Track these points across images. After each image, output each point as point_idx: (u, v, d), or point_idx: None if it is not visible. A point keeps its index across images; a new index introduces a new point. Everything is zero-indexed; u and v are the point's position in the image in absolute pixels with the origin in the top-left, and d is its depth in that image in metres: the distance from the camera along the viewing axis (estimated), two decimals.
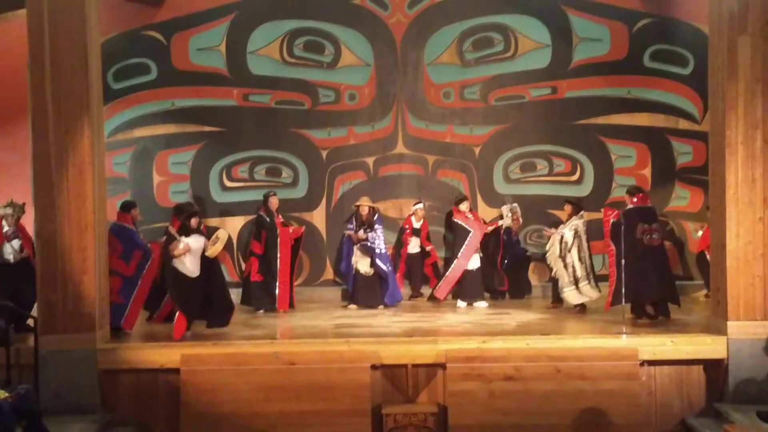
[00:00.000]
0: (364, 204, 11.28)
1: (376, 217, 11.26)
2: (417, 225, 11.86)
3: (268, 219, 11.01)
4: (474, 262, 11.14)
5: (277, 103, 12.46)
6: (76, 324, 8.14)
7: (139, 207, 11.89)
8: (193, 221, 9.11)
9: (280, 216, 11.17)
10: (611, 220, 9.48)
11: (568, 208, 10.68)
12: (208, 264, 9.06)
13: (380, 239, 11.13)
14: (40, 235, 8.26)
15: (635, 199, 9.57)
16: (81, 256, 8.19)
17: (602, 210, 10.00)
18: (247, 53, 12.41)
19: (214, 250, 9.05)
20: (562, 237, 10.32)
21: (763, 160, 8.15)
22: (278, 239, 10.89)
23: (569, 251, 10.29)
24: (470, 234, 11.09)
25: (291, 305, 11.02)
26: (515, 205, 11.85)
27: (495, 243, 11.63)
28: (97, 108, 8.51)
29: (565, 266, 10.28)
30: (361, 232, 11.06)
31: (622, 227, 9.22)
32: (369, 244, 11.05)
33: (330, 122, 12.47)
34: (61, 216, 8.18)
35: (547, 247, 10.65)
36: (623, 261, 9.15)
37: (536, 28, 12.35)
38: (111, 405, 8.22)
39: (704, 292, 11.44)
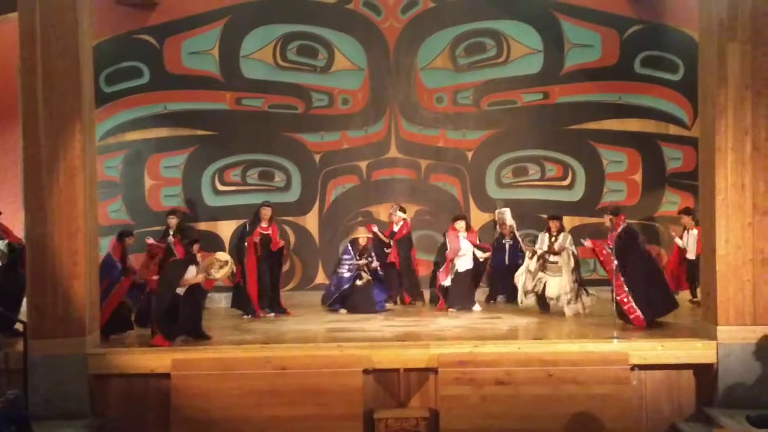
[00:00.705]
0: (363, 235, 11.39)
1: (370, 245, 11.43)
2: (395, 229, 11.86)
3: (248, 228, 10.95)
4: (447, 281, 11.14)
5: (270, 107, 12.45)
6: (65, 329, 8.12)
7: (130, 211, 11.99)
8: (196, 247, 9.21)
9: (269, 227, 11.00)
10: (606, 248, 9.49)
11: (555, 224, 10.67)
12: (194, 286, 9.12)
13: (377, 264, 11.34)
14: (30, 239, 8.24)
15: (622, 218, 9.64)
16: (71, 260, 8.18)
17: (587, 242, 9.84)
18: (241, 57, 12.39)
19: (222, 274, 9.17)
20: (572, 254, 10.37)
21: (752, 165, 8.19)
22: (245, 249, 10.82)
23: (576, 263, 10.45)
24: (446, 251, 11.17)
25: (279, 311, 10.99)
26: (502, 210, 11.84)
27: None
28: (88, 111, 8.51)
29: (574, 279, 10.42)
30: (362, 261, 11.20)
31: (621, 246, 9.27)
32: (380, 273, 11.28)
33: (323, 126, 12.46)
34: (51, 220, 8.17)
35: (539, 266, 10.58)
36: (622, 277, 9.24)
37: (528, 34, 12.38)
38: (101, 410, 8.21)
39: (689, 297, 11.46)
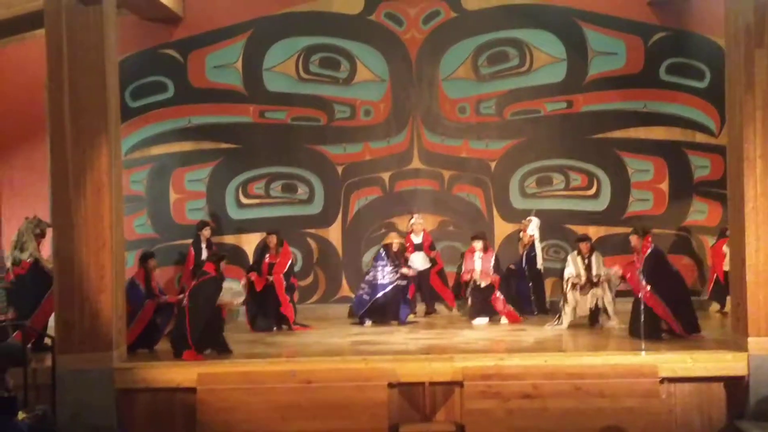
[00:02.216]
0: (395, 241, 11.43)
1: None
2: (418, 240, 11.82)
3: (258, 257, 11.25)
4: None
5: (292, 120, 12.48)
6: (93, 343, 8.16)
7: (155, 225, 12.03)
8: (222, 265, 9.27)
9: (278, 254, 11.04)
10: (635, 272, 9.38)
11: (586, 245, 10.56)
12: None
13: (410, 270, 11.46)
14: (59, 254, 8.31)
15: (650, 239, 9.55)
16: (98, 274, 8.23)
17: (616, 268, 9.83)
18: (263, 70, 12.43)
19: (238, 304, 9.73)
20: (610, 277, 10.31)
21: None
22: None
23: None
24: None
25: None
26: (530, 218, 11.77)
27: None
28: (114, 126, 8.57)
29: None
30: (407, 270, 11.26)
31: (651, 268, 9.26)
32: (409, 275, 11.34)
33: (345, 138, 12.46)
34: (78, 234, 8.23)
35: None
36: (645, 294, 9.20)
37: (551, 43, 12.31)
38: (128, 424, 8.22)
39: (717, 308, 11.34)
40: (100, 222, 8.28)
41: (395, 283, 11.07)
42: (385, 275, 11.10)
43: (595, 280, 10.33)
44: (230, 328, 9.89)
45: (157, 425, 8.24)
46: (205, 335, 8.81)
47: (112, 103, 8.49)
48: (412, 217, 11.90)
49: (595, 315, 10.43)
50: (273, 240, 11.14)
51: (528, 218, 11.84)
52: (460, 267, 11.65)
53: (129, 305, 9.01)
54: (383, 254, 11.30)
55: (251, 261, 11.81)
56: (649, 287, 9.18)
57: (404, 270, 11.25)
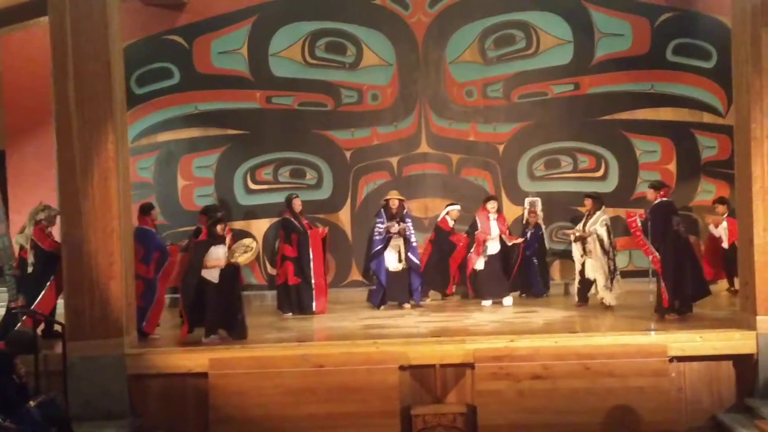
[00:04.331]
0: (394, 197, 11.15)
1: (405, 211, 11.20)
2: (452, 224, 11.81)
3: (296, 221, 10.94)
4: (480, 264, 11.13)
5: (299, 105, 12.47)
6: (103, 330, 8.17)
7: (163, 212, 12.04)
8: (219, 228, 9.09)
9: (304, 218, 11.16)
10: (637, 220, 9.32)
11: (589, 202, 10.59)
12: (228, 272, 8.97)
13: (412, 232, 11.07)
14: (67, 241, 8.31)
15: (662, 193, 9.41)
16: (107, 261, 8.22)
17: (626, 212, 9.76)
18: (269, 55, 12.42)
19: (245, 259, 9.01)
20: (597, 236, 10.19)
21: None
22: (309, 241, 10.83)
23: (610, 247, 10.19)
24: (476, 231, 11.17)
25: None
26: (534, 199, 11.80)
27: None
28: (120, 113, 8.55)
29: (606, 263, 10.17)
30: (395, 226, 10.91)
31: (652, 222, 9.11)
32: (408, 233, 10.97)
33: (353, 123, 12.46)
34: (86, 222, 8.21)
35: (581, 249, 10.45)
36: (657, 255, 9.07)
37: (557, 25, 12.28)
38: (140, 410, 8.24)
39: (726, 286, 11.31)
40: (108, 209, 8.26)
41: (385, 237, 10.89)
42: (381, 232, 10.99)
43: (586, 235, 10.28)
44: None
45: (170, 410, 8.25)
46: (213, 315, 8.80)
47: (117, 90, 8.46)
48: (454, 204, 11.77)
49: (583, 287, 10.47)
50: (300, 202, 11.09)
51: (531, 200, 11.84)
52: (471, 228, 11.41)
53: (156, 254, 9.12)
54: (382, 212, 11.16)
55: (261, 244, 11.76)
56: (652, 242, 9.09)
57: (392, 227, 10.93)
